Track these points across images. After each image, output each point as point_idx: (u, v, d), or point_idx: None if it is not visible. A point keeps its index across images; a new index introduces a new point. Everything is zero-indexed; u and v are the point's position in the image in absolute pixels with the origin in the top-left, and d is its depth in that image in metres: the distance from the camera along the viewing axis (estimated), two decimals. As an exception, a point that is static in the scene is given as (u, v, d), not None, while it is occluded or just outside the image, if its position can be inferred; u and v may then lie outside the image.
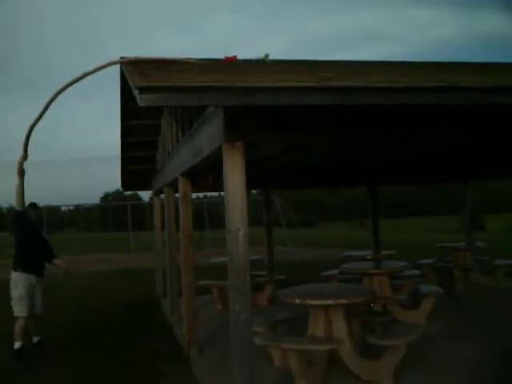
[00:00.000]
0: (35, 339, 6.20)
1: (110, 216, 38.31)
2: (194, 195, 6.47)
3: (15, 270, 5.94)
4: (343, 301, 4.76)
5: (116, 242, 24.94)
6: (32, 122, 5.44)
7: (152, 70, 3.59)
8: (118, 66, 5.53)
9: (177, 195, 6.79)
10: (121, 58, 4.71)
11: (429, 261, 9.75)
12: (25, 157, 5.69)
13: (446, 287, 8.10)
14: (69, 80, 5.06)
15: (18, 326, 5.85)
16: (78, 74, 5.00)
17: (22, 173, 5.76)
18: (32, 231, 6.18)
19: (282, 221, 22.59)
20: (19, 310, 5.85)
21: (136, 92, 2.74)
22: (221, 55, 4.84)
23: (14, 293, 5.88)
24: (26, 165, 5.76)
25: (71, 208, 42.28)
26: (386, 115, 3.63)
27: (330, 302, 4.72)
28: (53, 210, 31.23)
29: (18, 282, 5.86)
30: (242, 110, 3.18)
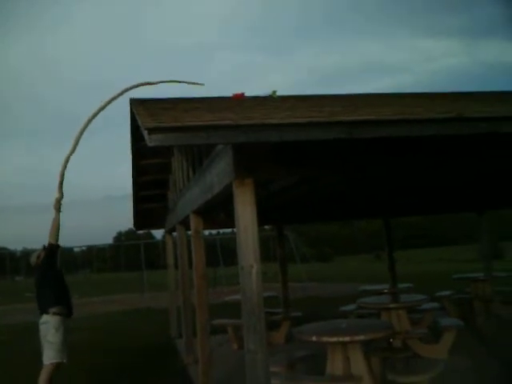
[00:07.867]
0: None
1: (123, 256, 38.35)
2: (206, 232, 6.43)
3: (53, 311, 5.19)
4: (361, 337, 4.63)
5: (130, 282, 24.84)
6: (64, 159, 5.47)
7: (160, 110, 3.64)
8: (128, 107, 5.68)
9: (189, 233, 6.79)
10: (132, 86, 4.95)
11: (447, 293, 9.53)
12: (61, 196, 5.53)
13: (467, 320, 7.88)
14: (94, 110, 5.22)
15: (50, 373, 5.09)
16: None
17: (59, 209, 5.52)
18: (60, 270, 5.79)
19: (296, 256, 22.41)
20: (59, 355, 5.13)
21: (145, 133, 2.77)
22: (229, 92, 4.94)
23: (53, 337, 5.11)
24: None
25: (84, 249, 42.29)
26: (395, 147, 3.62)
27: (347, 338, 4.60)
28: (66, 252, 31.31)
29: (59, 326, 5.16)
30: (250, 147, 3.19)
